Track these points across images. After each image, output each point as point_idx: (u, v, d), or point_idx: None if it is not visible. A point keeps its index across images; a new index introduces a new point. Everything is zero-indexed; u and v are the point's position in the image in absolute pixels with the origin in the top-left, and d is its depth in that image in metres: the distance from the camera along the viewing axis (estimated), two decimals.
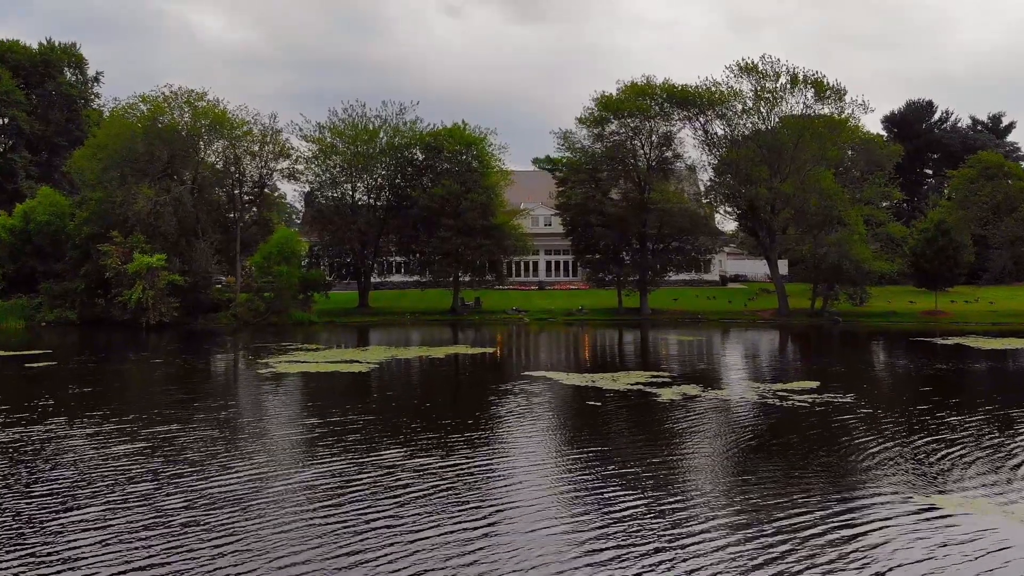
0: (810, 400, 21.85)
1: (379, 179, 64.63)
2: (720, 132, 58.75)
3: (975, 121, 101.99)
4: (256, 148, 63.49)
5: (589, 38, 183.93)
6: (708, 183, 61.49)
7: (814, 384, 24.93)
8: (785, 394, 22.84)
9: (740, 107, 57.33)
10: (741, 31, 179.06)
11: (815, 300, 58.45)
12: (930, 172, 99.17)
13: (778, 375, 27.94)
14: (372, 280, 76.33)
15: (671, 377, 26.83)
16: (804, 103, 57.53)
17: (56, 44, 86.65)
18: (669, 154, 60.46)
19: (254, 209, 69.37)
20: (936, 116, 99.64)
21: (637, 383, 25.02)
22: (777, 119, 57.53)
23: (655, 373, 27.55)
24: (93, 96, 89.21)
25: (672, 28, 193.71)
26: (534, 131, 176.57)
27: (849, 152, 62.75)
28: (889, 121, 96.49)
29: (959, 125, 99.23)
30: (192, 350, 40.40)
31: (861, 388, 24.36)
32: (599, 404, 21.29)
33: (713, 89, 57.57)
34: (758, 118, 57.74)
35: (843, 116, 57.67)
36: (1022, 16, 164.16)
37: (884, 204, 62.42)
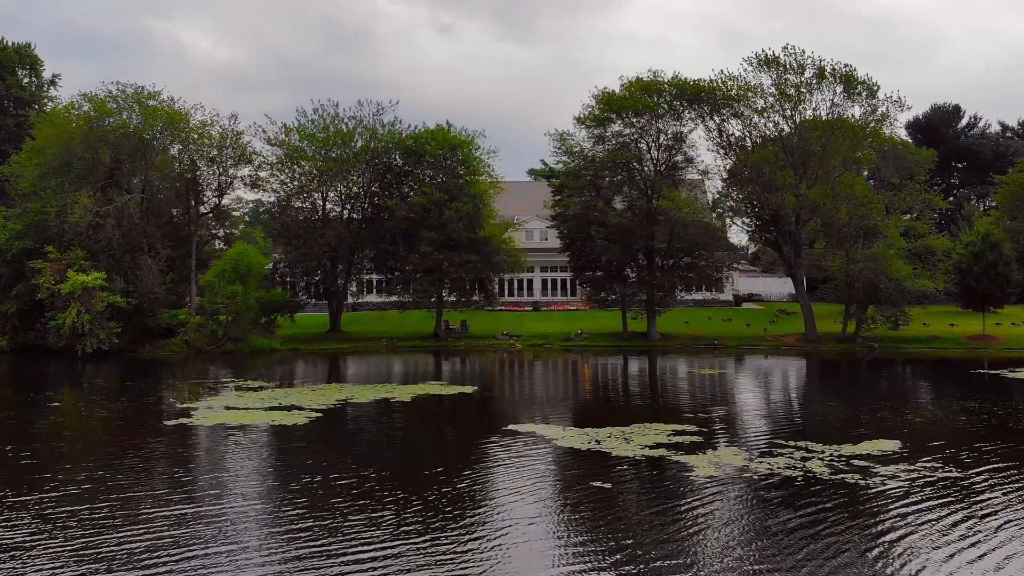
0: (905, 475, 15.79)
1: (354, 187, 58.64)
2: (737, 133, 52.86)
3: (1004, 127, 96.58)
4: (215, 153, 57.56)
5: (580, 55, 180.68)
6: (721, 190, 55.40)
7: (894, 445, 18.85)
8: (865, 465, 16.76)
9: (761, 103, 51.47)
10: (732, 48, 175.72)
11: (846, 323, 52.37)
12: (956, 181, 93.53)
13: (839, 429, 21.81)
14: (349, 301, 70.37)
15: (699, 431, 20.75)
16: (832, 100, 51.69)
17: (8, 43, 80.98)
18: (680, 158, 54.48)
19: (212, 222, 63.49)
20: (964, 121, 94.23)
21: (657, 444, 18.91)
22: (802, 117, 51.66)
23: (677, 426, 21.43)
24: (47, 100, 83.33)
25: (662, 46, 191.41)
26: (527, 151, 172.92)
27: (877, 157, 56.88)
28: (913, 127, 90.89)
29: (988, 131, 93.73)
30: (112, 387, 34.27)
31: (961, 450, 18.24)
32: (608, 486, 15.16)
33: (729, 84, 51.75)
34: (781, 117, 51.91)
35: (877, 114, 51.83)
36: (1012, 36, 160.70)
37: (912, 215, 56.38)
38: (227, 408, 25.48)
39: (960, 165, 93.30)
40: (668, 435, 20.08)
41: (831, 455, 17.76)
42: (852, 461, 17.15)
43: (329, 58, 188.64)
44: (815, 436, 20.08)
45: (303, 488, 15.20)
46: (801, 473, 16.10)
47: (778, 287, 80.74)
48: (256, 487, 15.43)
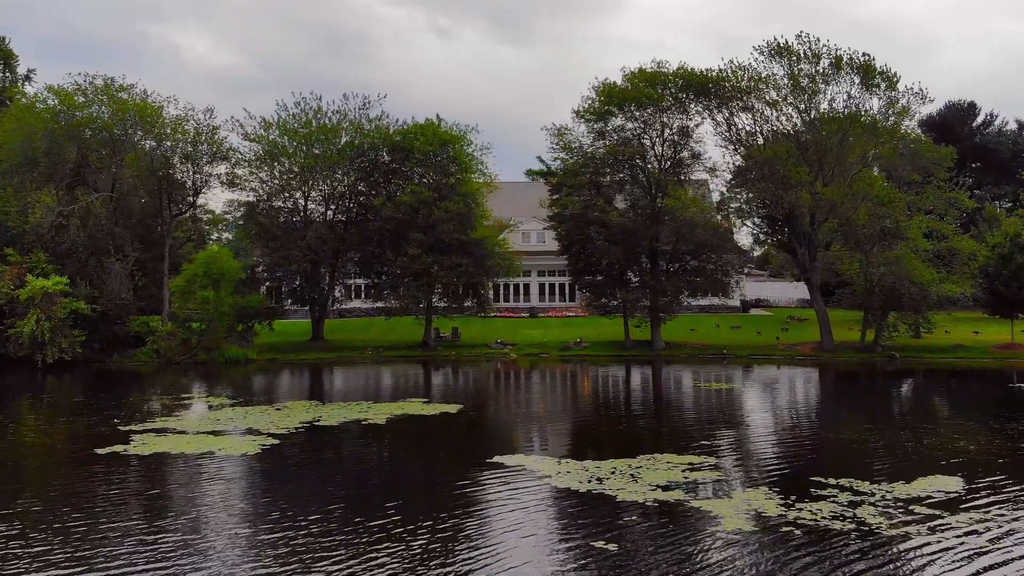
0: (983, 527, 12.69)
1: (338, 187, 55.55)
2: (748, 127, 49.70)
3: (1021, 125, 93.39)
4: (190, 149, 54.51)
5: (576, 59, 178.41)
6: (728, 188, 52.16)
7: (955, 483, 15.77)
8: (930, 513, 13.66)
9: (773, 95, 48.37)
10: (727, 53, 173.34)
11: (865, 331, 49.26)
12: (971, 181, 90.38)
13: (883, 460, 18.72)
14: (335, 307, 67.35)
15: (718, 463, 17.68)
16: (848, 92, 48.61)
17: None
18: (685, 154, 51.38)
19: (188, 222, 60.48)
20: (979, 119, 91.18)
21: (670, 483, 15.81)
22: (818, 111, 48.62)
23: (692, 457, 18.35)
24: (21, 96, 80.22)
25: (659, 50, 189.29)
26: (524, 155, 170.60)
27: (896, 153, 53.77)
28: (927, 124, 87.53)
29: (1005, 128, 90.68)
30: (61, 403, 31.16)
31: None
32: (614, 549, 12.04)
33: (739, 74, 48.68)
34: (794, 110, 48.84)
35: (896, 107, 48.76)
36: (1008, 40, 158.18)
37: (934, 215, 53.21)
38: (174, 432, 22.39)
39: (975, 164, 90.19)
40: (683, 470, 16.99)
41: (883, 497, 14.68)
42: (912, 507, 14.05)
43: (326, 61, 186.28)
44: (857, 470, 16.99)
45: (209, 549, 12.08)
46: (854, 525, 13.01)
47: (787, 292, 77.60)
48: (152, 546, 12.31)
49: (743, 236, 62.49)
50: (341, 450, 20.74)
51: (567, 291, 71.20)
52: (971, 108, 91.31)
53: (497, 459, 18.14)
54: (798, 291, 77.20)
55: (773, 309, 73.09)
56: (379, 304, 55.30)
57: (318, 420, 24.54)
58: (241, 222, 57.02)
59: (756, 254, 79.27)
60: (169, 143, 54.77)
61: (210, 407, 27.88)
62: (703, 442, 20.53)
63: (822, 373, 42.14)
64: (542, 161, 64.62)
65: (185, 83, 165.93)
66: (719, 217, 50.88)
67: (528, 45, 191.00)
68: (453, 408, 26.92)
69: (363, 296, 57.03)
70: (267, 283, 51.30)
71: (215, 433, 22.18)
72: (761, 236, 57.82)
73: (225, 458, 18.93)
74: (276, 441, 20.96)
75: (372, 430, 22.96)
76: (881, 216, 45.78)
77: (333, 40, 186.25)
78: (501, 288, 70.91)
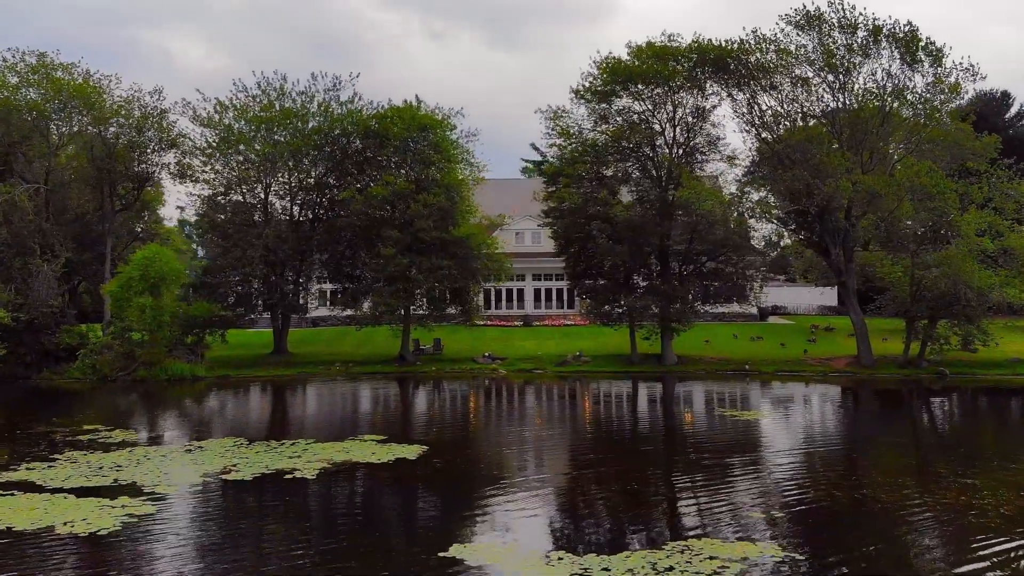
0: None
1: (304, 179, 49.73)
2: (775, 107, 43.80)
3: None
4: (135, 135, 48.81)
5: (568, 64, 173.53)
6: (751, 177, 46.29)
7: None
8: None
9: (803, 71, 42.66)
10: None
11: (909, 343, 43.47)
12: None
13: (1006, 546, 12.90)
14: (307, 315, 61.54)
15: (786, 556, 11.91)
16: (888, 68, 42.87)
17: None
18: (700, 140, 45.62)
19: (133, 220, 54.66)
20: (1013, 110, 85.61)
21: None
22: (854, 89, 42.93)
23: (747, 546, 12.56)
24: None
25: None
26: (522, 156, 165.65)
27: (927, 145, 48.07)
28: (956, 116, 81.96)
29: None
30: None
31: None
32: None
33: (764, 46, 42.93)
34: (826, 87, 43.13)
35: (944, 86, 43.06)
36: (1003, 46, 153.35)
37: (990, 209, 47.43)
38: (29, 489, 16.67)
39: (1010, 159, 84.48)
40: (738, 568, 11.21)
41: None
42: None
43: (319, 66, 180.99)
44: (991, 568, 11.21)
45: None
46: None
47: (807, 298, 71.89)
48: None
49: (758, 235, 56.83)
50: (227, 526, 14.82)
51: (565, 297, 65.38)
52: (1004, 98, 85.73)
53: (450, 553, 12.31)
54: (821, 297, 71.63)
55: (792, 317, 67.29)
56: (349, 312, 49.37)
57: (231, 469, 18.75)
58: (196, 217, 51.15)
59: (771, 255, 73.75)
60: (113, 128, 49.16)
61: (107, 446, 22.07)
62: (758, 512, 14.73)
63: (868, 394, 36.39)
64: (536, 149, 58.72)
65: (177, 88, 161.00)
66: (743, 212, 44.84)
67: (520, 50, 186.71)
68: (415, 451, 21.05)
69: (339, 303, 51.09)
70: (219, 288, 45.29)
71: (83, 492, 16.41)
72: (786, 234, 52.09)
73: (62, 542, 13.13)
74: (152, 509, 15.16)
75: (289, 490, 17.08)
76: (930, 210, 40.07)
77: (325, 45, 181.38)
78: (493, 294, 65.14)
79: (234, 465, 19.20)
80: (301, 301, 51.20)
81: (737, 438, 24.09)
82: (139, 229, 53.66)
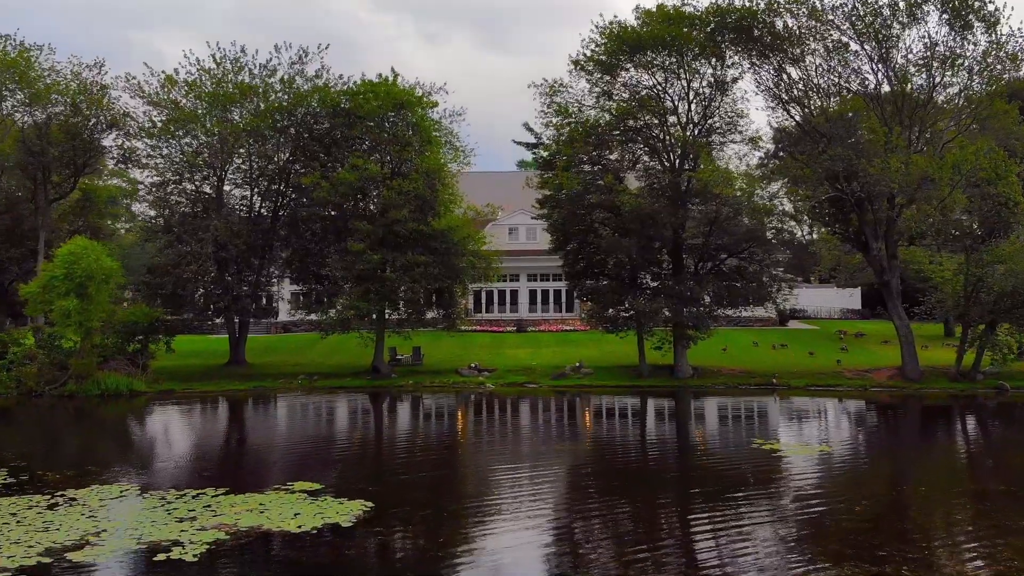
0: None
1: (265, 165, 44.24)
2: (807, 79, 38.36)
3: None
4: (71, 114, 43.40)
5: (563, 67, 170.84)
6: (779, 160, 40.93)
7: None
8: None
9: (837, 36, 37.29)
10: None
11: (962, 352, 38.15)
12: None
13: None
14: (279, 319, 56.30)
15: None
16: (932, 36, 37.57)
17: None
18: (718, 119, 40.23)
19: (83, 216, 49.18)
20: None
21: None
22: (896, 60, 37.65)
23: None
24: None
25: None
26: (517, 158, 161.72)
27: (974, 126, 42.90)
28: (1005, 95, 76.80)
29: None
30: None
31: None
32: None
33: (794, 8, 37.53)
34: (864, 58, 37.84)
35: (999, 55, 37.83)
36: None
37: None
38: None
39: None
40: None
41: None
42: None
43: (314, 67, 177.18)
44: None
45: None
46: None
47: (829, 300, 66.72)
48: None
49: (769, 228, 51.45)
50: None
51: (564, 299, 59.98)
52: None
53: None
54: (845, 299, 66.53)
55: (814, 321, 62.03)
56: (313, 317, 43.88)
57: (92, 538, 13.39)
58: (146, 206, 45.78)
59: (788, 252, 68.48)
60: (47, 107, 43.79)
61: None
62: None
63: (915, 410, 31.09)
64: (530, 130, 53.07)
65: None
66: (776, 198, 39.32)
67: (513, 53, 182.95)
68: (355, 509, 15.57)
69: (291, 307, 45.63)
70: (161, 290, 39.78)
71: None
72: (805, 228, 46.80)
73: None
74: None
75: None
76: (991, 197, 34.83)
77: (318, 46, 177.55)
78: (483, 296, 59.81)
79: (97, 534, 13.83)
80: (265, 304, 45.76)
81: (780, 486, 18.69)
82: (80, 223, 48.07)
